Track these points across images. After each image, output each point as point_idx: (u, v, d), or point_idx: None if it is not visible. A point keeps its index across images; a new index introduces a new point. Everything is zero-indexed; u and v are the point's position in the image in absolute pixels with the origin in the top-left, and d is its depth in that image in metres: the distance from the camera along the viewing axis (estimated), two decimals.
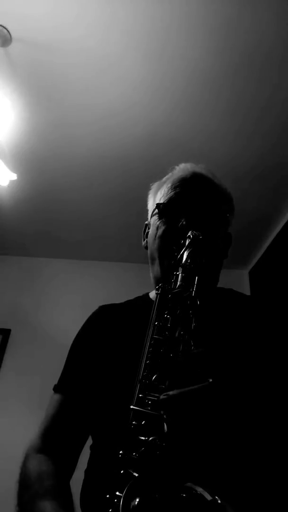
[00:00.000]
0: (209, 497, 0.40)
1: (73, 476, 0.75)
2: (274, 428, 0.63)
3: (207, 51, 1.67)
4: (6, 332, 2.91)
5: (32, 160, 2.28)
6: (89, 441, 0.77)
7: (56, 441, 0.74)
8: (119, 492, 0.41)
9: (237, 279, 3.08)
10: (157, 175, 0.94)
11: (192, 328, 0.55)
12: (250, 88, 1.81)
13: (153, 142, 2.12)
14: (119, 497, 0.40)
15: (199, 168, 0.88)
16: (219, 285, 0.88)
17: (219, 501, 0.39)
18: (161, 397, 0.48)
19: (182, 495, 0.40)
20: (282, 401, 0.66)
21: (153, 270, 0.84)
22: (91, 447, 0.75)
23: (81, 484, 0.72)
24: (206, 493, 0.40)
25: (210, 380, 0.49)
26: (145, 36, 1.62)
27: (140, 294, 0.95)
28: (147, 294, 0.92)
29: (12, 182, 1.85)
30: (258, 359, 0.69)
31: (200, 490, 0.40)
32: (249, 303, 0.85)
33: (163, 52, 1.68)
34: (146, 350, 0.55)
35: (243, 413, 0.61)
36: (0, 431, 2.49)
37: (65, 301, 2.97)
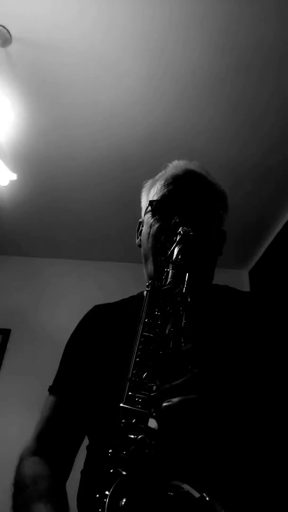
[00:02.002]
0: (196, 494, 0.39)
1: (72, 476, 0.75)
2: (268, 424, 0.62)
3: (207, 51, 1.66)
4: (6, 332, 2.91)
5: (32, 160, 2.28)
6: (86, 442, 0.77)
7: (51, 443, 0.73)
8: (107, 491, 0.40)
9: (237, 279, 3.08)
10: (156, 175, 0.94)
11: (183, 325, 0.54)
12: (250, 88, 1.81)
13: (152, 142, 2.12)
14: (106, 496, 0.40)
15: (192, 165, 0.87)
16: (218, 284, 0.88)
17: (207, 498, 0.39)
18: (151, 394, 0.48)
19: (170, 494, 0.40)
20: (277, 395, 0.66)
21: (147, 268, 0.83)
22: (87, 448, 0.75)
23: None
24: (193, 490, 0.40)
25: (195, 370, 0.49)
26: (144, 36, 1.62)
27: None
28: (142, 292, 0.91)
29: (12, 182, 1.85)
30: (252, 354, 0.69)
31: (186, 487, 0.40)
32: (243, 299, 0.84)
33: (162, 52, 1.68)
34: (136, 348, 0.55)
35: (236, 409, 0.61)
36: (0, 431, 2.49)
37: (65, 301, 2.97)
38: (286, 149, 2.12)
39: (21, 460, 0.71)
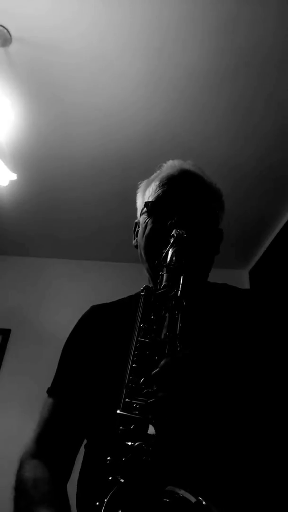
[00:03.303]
0: (193, 499, 0.39)
1: (72, 476, 0.74)
2: (269, 426, 0.62)
3: (206, 51, 1.66)
4: (6, 332, 2.91)
5: (31, 159, 2.28)
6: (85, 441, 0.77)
7: (51, 445, 0.73)
8: (105, 499, 0.40)
9: (237, 279, 3.08)
10: (152, 176, 0.93)
11: (178, 328, 0.54)
12: (249, 88, 1.80)
13: (152, 142, 2.12)
14: (102, 503, 0.40)
15: (187, 165, 0.86)
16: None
17: (203, 502, 0.39)
18: (148, 401, 0.47)
19: (166, 500, 0.39)
20: (277, 399, 0.65)
21: (145, 269, 0.83)
22: (86, 446, 0.75)
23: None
24: (189, 494, 0.39)
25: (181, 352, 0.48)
26: (144, 36, 1.62)
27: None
28: (139, 292, 0.90)
29: (12, 182, 1.85)
30: (251, 353, 0.68)
31: (182, 492, 0.40)
32: (242, 297, 0.83)
33: (161, 51, 1.68)
34: (132, 353, 0.55)
35: (235, 413, 0.60)
36: (0, 432, 2.49)
37: (65, 301, 2.97)
38: (285, 149, 2.12)
39: (21, 463, 0.71)
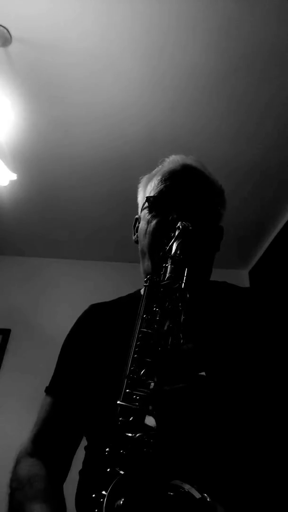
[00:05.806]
0: (197, 495, 0.38)
1: (70, 477, 0.74)
2: (270, 423, 0.62)
3: (207, 51, 1.66)
4: (6, 332, 2.91)
5: (31, 159, 2.28)
6: (84, 443, 0.76)
7: (48, 444, 0.73)
8: (105, 491, 0.40)
9: (237, 279, 3.08)
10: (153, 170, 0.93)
11: (182, 321, 0.54)
12: (251, 88, 1.81)
13: (152, 142, 2.12)
14: (104, 496, 0.39)
15: (189, 160, 0.86)
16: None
17: (208, 499, 0.38)
18: (149, 392, 0.47)
19: (169, 494, 0.38)
20: (278, 394, 0.66)
21: (143, 265, 0.82)
22: (86, 448, 0.74)
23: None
24: (194, 490, 0.39)
25: (203, 373, 0.48)
26: (144, 35, 1.62)
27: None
28: (139, 290, 0.90)
29: (12, 182, 1.85)
30: (252, 350, 0.68)
31: (187, 487, 0.39)
32: (242, 295, 0.84)
33: (162, 51, 1.68)
34: (134, 344, 0.54)
35: (236, 407, 0.60)
36: (0, 431, 2.48)
37: (65, 301, 2.97)
38: (286, 149, 2.12)
39: (18, 461, 0.71)
